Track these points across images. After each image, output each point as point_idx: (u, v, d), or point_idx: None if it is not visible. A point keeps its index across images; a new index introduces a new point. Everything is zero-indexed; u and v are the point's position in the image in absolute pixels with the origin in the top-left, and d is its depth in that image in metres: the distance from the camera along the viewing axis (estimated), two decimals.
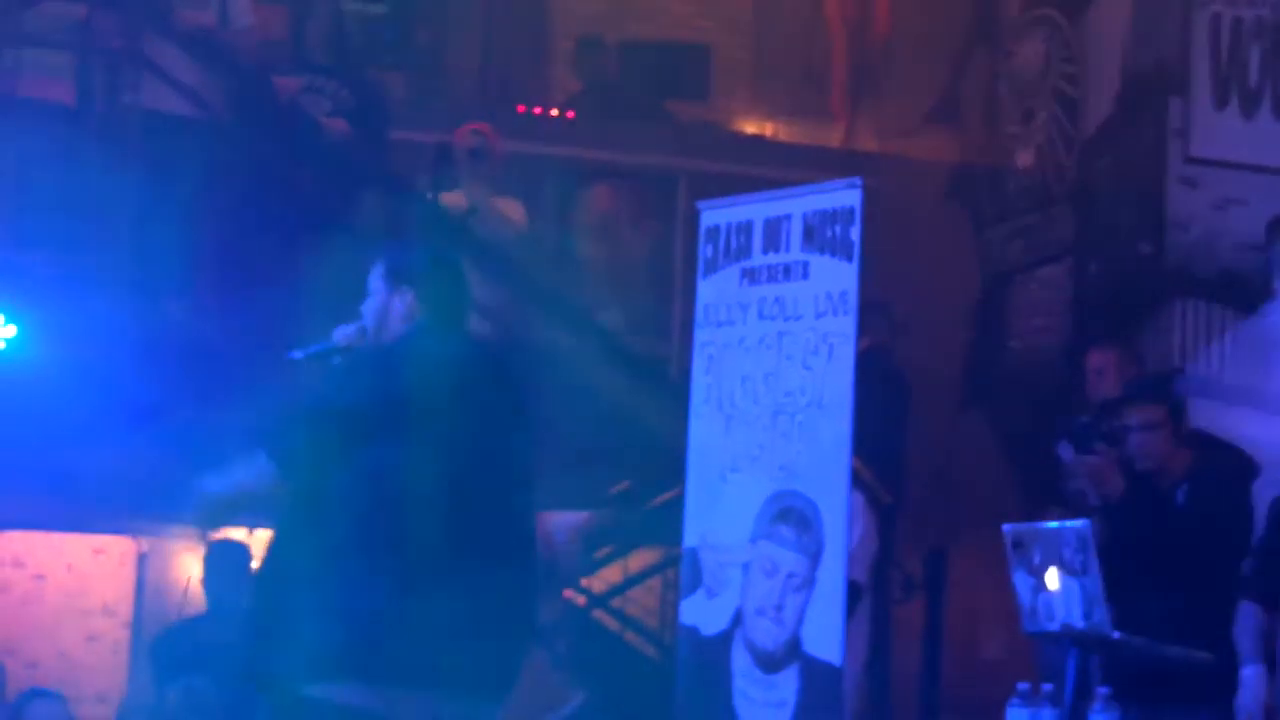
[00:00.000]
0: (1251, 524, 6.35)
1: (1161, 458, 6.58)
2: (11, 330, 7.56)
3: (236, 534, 8.46)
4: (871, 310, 7.88)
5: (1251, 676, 5.90)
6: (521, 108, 10.46)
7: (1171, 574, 6.42)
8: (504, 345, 5.20)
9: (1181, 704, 6.26)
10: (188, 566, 10.17)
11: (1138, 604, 6.39)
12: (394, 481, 4.59)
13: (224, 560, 7.85)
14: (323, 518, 4.60)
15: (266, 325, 8.05)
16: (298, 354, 5.12)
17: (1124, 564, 6.51)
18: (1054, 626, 5.49)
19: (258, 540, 8.48)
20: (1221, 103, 8.72)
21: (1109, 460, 6.62)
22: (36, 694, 7.02)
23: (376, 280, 4.95)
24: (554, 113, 10.58)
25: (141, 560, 10.22)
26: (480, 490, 4.69)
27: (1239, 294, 8.59)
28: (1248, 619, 5.97)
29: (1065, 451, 6.76)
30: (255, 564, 7.81)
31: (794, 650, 5.71)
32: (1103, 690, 5.60)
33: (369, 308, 4.97)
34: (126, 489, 8.27)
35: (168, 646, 7.75)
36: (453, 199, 8.76)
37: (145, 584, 10.16)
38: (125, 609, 10.14)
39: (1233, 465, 6.62)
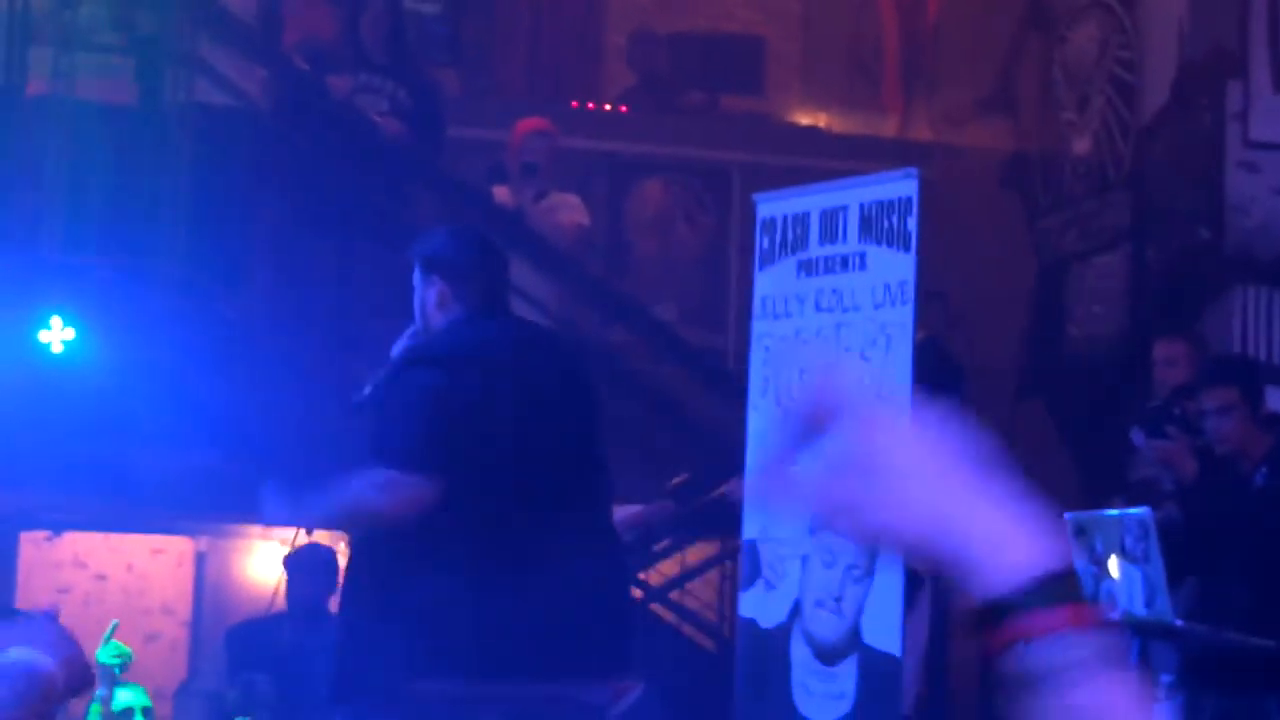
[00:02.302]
0: None
1: (1239, 441, 6.45)
2: (70, 333, 7.59)
3: (327, 537, 8.49)
4: (928, 301, 7.86)
5: None
6: (575, 103, 10.45)
7: (1251, 558, 6.31)
8: (559, 331, 5.10)
9: (1254, 690, 6.18)
10: (245, 566, 10.22)
11: (1219, 589, 6.34)
12: (488, 473, 4.55)
13: (307, 562, 7.84)
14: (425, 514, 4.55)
15: (321, 324, 8.08)
16: (362, 395, 5.06)
17: (1204, 549, 6.45)
18: (1115, 615, 5.44)
19: (323, 538, 8.50)
20: None
21: (1181, 445, 6.53)
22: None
23: (415, 274, 4.89)
24: (606, 107, 10.57)
25: (199, 560, 10.26)
26: (570, 476, 4.66)
27: None
28: None
29: (1137, 437, 6.68)
30: (341, 562, 7.84)
31: (854, 641, 5.68)
32: (1165, 679, 5.56)
33: (416, 301, 4.92)
34: (184, 489, 8.30)
35: (242, 639, 7.77)
36: (503, 193, 8.75)
37: (204, 583, 10.21)
38: (184, 608, 10.18)
39: None
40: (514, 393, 4.63)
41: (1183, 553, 6.65)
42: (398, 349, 4.95)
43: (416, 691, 4.46)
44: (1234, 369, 6.85)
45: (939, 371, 7.79)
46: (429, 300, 4.81)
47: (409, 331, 4.97)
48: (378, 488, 4.55)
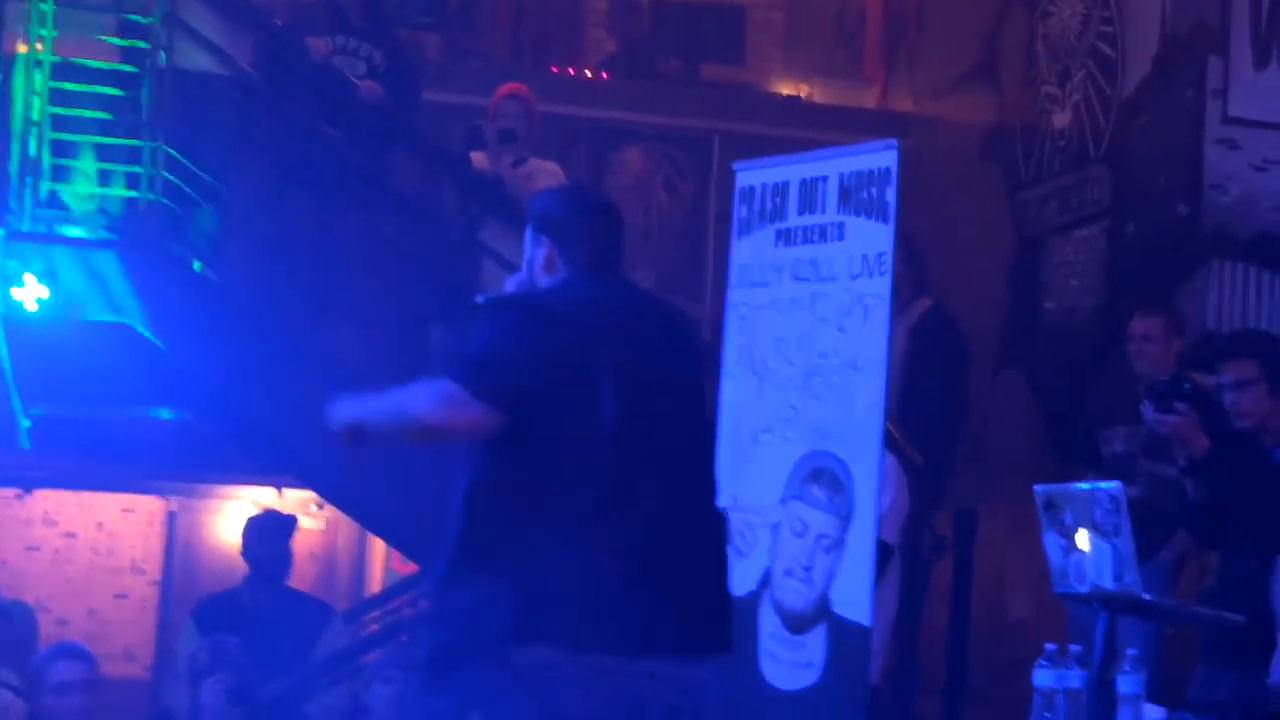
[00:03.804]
0: None
1: (1259, 415, 6.35)
2: (44, 292, 7.58)
3: (267, 496, 8.50)
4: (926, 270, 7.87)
5: None
6: (555, 69, 10.43)
7: (1269, 535, 6.26)
8: (668, 301, 4.90)
9: (1241, 668, 6.17)
10: (216, 525, 10.23)
11: (1238, 564, 6.31)
12: (591, 435, 4.40)
13: (265, 529, 7.88)
14: (513, 472, 4.41)
15: (299, 286, 8.06)
16: (480, 298, 4.93)
17: (1224, 524, 6.42)
18: (1084, 588, 5.45)
19: (289, 501, 8.53)
20: (1261, 62, 8.64)
21: (1191, 419, 6.48)
22: (62, 651, 7.03)
23: (527, 232, 4.74)
24: (587, 74, 10.55)
25: (170, 519, 10.27)
26: (678, 446, 4.52)
27: (1277, 256, 8.52)
28: None
29: (1147, 411, 6.65)
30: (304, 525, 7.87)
31: (823, 611, 5.70)
32: (1131, 652, 5.57)
33: (524, 261, 4.76)
34: (156, 449, 8.31)
35: (210, 611, 7.80)
36: (481, 159, 8.74)
37: (174, 542, 10.22)
38: (154, 567, 10.20)
39: None
40: (618, 354, 4.49)
41: (1201, 529, 6.63)
42: (511, 284, 4.85)
43: (521, 659, 4.33)
44: (1254, 342, 6.75)
45: (943, 339, 7.80)
46: (537, 261, 4.68)
47: (516, 278, 4.86)
48: (434, 398, 4.40)
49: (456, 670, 4.39)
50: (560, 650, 4.33)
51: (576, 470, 4.40)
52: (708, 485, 4.59)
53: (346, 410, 4.53)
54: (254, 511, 7.94)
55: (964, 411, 7.75)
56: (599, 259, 4.69)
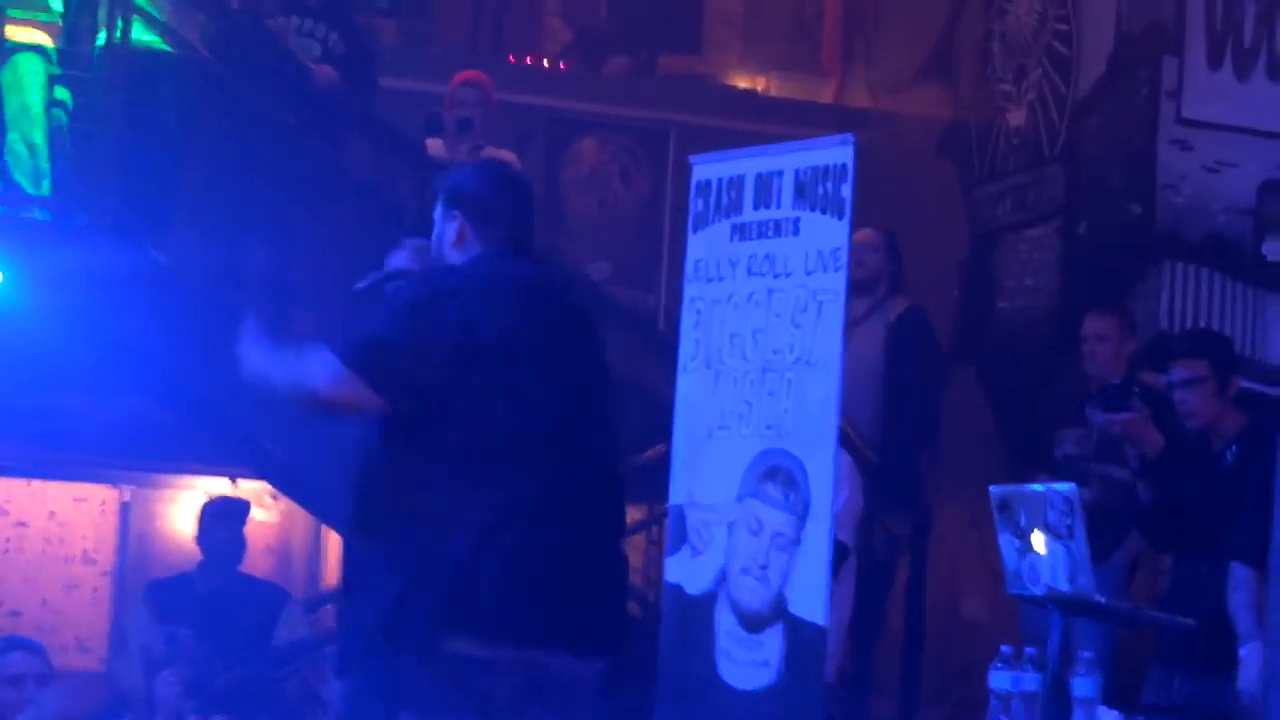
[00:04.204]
0: (1267, 481, 6.21)
1: (1207, 415, 6.37)
2: None
3: (221, 486, 8.46)
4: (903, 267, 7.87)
5: (1252, 655, 5.84)
6: (512, 58, 10.40)
7: (1219, 537, 6.28)
8: (577, 283, 4.83)
9: (1219, 672, 6.18)
10: (170, 516, 10.18)
11: (1190, 568, 6.34)
12: (495, 420, 4.39)
13: (220, 514, 7.86)
14: (429, 462, 4.40)
15: (254, 271, 8.02)
16: (361, 285, 4.87)
17: (1174, 527, 6.44)
18: (1038, 590, 5.46)
19: (243, 493, 8.50)
20: (1215, 63, 8.68)
21: (1143, 417, 6.49)
22: (14, 643, 7.01)
23: (437, 207, 4.68)
24: (545, 64, 10.52)
25: (124, 509, 10.21)
26: (584, 434, 4.52)
27: (1228, 258, 8.56)
28: (1247, 589, 5.87)
29: (1095, 415, 6.66)
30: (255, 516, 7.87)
31: (779, 610, 5.69)
32: (1085, 655, 5.59)
33: (434, 236, 4.71)
34: (109, 436, 8.25)
35: (160, 593, 7.77)
36: (437, 146, 8.71)
37: (128, 532, 10.16)
38: (107, 557, 10.13)
39: None
40: (525, 339, 4.46)
41: (1153, 531, 6.65)
42: (393, 263, 4.81)
43: (435, 653, 4.32)
44: (1205, 342, 6.77)
45: (924, 341, 7.81)
46: (447, 236, 4.63)
47: (404, 254, 4.80)
48: (324, 372, 4.41)
49: (380, 665, 4.36)
50: (483, 642, 4.31)
51: (492, 458, 4.37)
52: (610, 478, 4.57)
53: (250, 359, 4.55)
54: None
55: (937, 414, 7.77)
56: (513, 237, 4.63)
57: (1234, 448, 6.37)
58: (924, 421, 7.67)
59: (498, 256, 4.57)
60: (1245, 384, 6.62)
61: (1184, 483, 6.42)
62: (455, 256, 4.61)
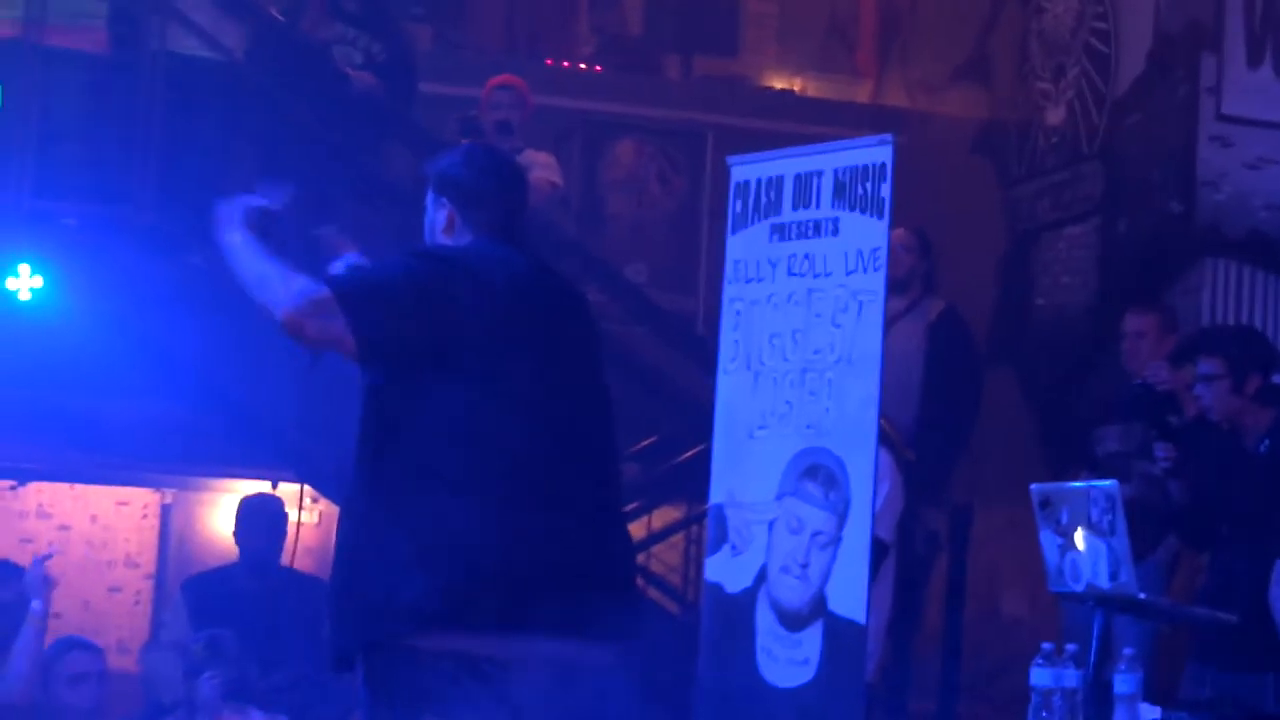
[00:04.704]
0: None
1: (1225, 411, 6.42)
2: (38, 281, 7.56)
3: (262, 489, 8.48)
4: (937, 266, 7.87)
5: None
6: (549, 61, 10.42)
7: (1256, 531, 6.30)
8: (565, 275, 4.72)
9: (1252, 669, 6.19)
10: (211, 519, 10.22)
11: (1225, 564, 6.35)
12: (487, 397, 4.27)
13: (257, 512, 7.88)
14: (418, 447, 4.26)
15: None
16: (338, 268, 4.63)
17: (1211, 525, 6.47)
18: (1079, 587, 5.46)
19: (285, 494, 8.52)
20: (1255, 60, 8.65)
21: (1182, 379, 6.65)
22: (73, 644, 7.07)
23: (428, 194, 4.60)
24: (581, 67, 10.54)
25: (165, 512, 10.25)
26: (578, 416, 4.41)
27: (1270, 254, 8.54)
28: None
29: (1153, 443, 6.74)
30: (290, 515, 7.89)
31: (819, 608, 5.69)
32: (1127, 651, 5.57)
33: (425, 223, 4.62)
34: (150, 441, 8.29)
35: (199, 591, 7.80)
36: None
37: (168, 535, 10.20)
38: (148, 560, 10.18)
39: None
40: (518, 323, 4.34)
41: (1188, 530, 6.67)
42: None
43: (431, 647, 4.23)
44: (1221, 339, 6.82)
45: (964, 342, 7.81)
46: (437, 223, 4.54)
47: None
48: (303, 294, 4.22)
49: (362, 661, 4.28)
50: (468, 636, 4.21)
51: (495, 447, 4.26)
52: (607, 460, 4.48)
53: (231, 245, 4.38)
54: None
55: (976, 414, 7.76)
56: (502, 226, 4.53)
57: (1267, 441, 6.38)
58: (963, 422, 7.66)
59: (488, 243, 4.48)
60: None
61: (1217, 479, 6.44)
62: (444, 241, 4.54)
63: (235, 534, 7.92)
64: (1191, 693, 6.32)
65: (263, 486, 8.91)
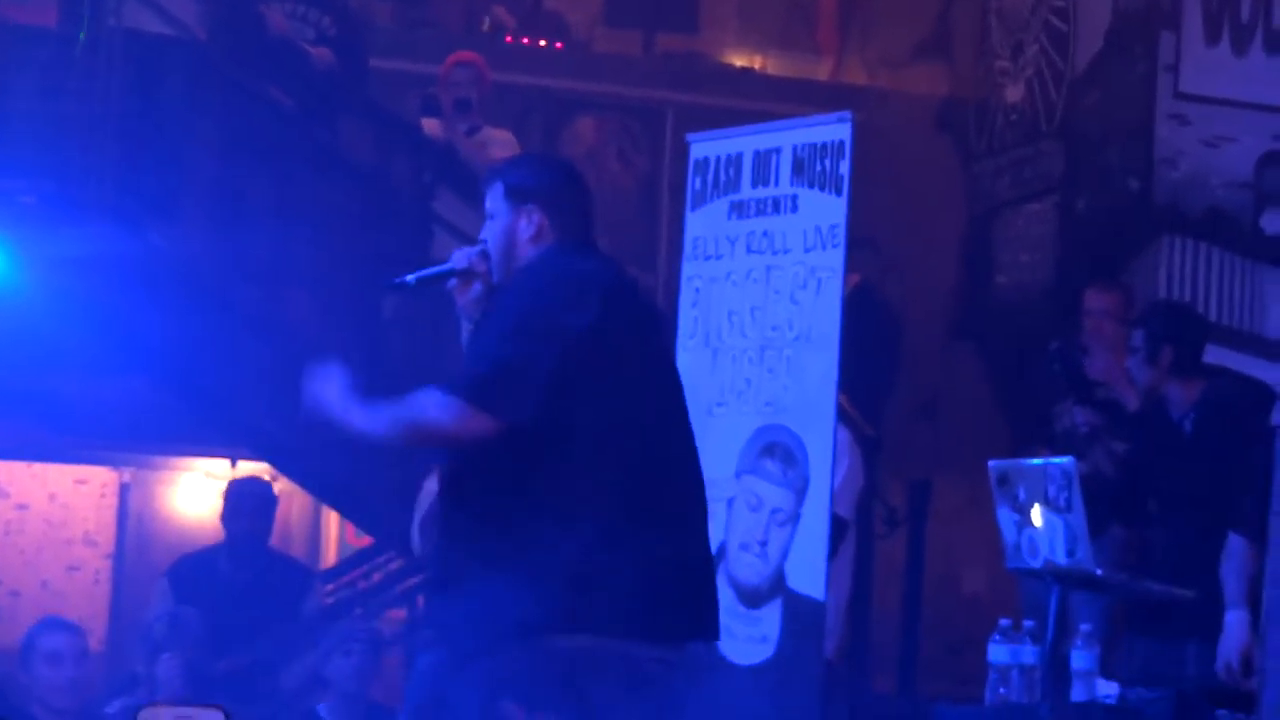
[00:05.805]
0: (1267, 456, 6.29)
1: (1146, 382, 6.59)
2: None
3: (221, 467, 8.47)
4: (860, 245, 7.87)
5: (1236, 622, 5.88)
6: (509, 38, 10.40)
7: (1179, 505, 6.42)
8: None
9: (1174, 638, 6.27)
10: (169, 497, 10.19)
11: (1151, 535, 6.45)
12: (614, 419, 4.33)
13: (245, 495, 7.86)
14: (546, 463, 4.32)
15: (253, 254, 8.03)
16: (409, 279, 4.61)
17: (1138, 495, 6.56)
18: (1037, 563, 5.49)
19: (241, 473, 8.52)
20: (1213, 38, 8.68)
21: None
22: (54, 624, 7.05)
23: (497, 201, 4.55)
24: (541, 43, 10.51)
25: (124, 490, 10.22)
26: (677, 426, 4.46)
27: (1227, 232, 8.57)
28: (1238, 558, 5.93)
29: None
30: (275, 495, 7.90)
31: (777, 585, 5.72)
32: (1084, 627, 5.61)
33: (491, 231, 4.56)
34: (109, 419, 8.27)
35: (185, 572, 7.78)
36: (434, 127, 8.71)
37: (127, 514, 10.17)
38: (107, 539, 10.15)
39: (1243, 395, 6.58)
40: (624, 336, 4.38)
41: (1116, 503, 6.75)
42: (460, 259, 4.61)
43: (547, 647, 4.31)
44: (1147, 313, 6.96)
45: (872, 318, 7.82)
46: (520, 231, 4.50)
47: (475, 251, 4.66)
48: (447, 411, 4.31)
49: (486, 655, 4.32)
50: (597, 638, 4.29)
51: (612, 456, 4.32)
52: (698, 470, 4.54)
53: (354, 420, 4.40)
54: (207, 483, 7.93)
55: (891, 389, 7.79)
56: (588, 230, 4.59)
57: (1191, 415, 6.49)
58: (877, 396, 7.68)
59: (572, 249, 4.51)
60: (1237, 355, 6.75)
61: (1147, 452, 6.58)
62: (529, 250, 4.51)
63: (222, 517, 7.90)
64: (1124, 663, 6.41)
65: (222, 465, 8.91)
